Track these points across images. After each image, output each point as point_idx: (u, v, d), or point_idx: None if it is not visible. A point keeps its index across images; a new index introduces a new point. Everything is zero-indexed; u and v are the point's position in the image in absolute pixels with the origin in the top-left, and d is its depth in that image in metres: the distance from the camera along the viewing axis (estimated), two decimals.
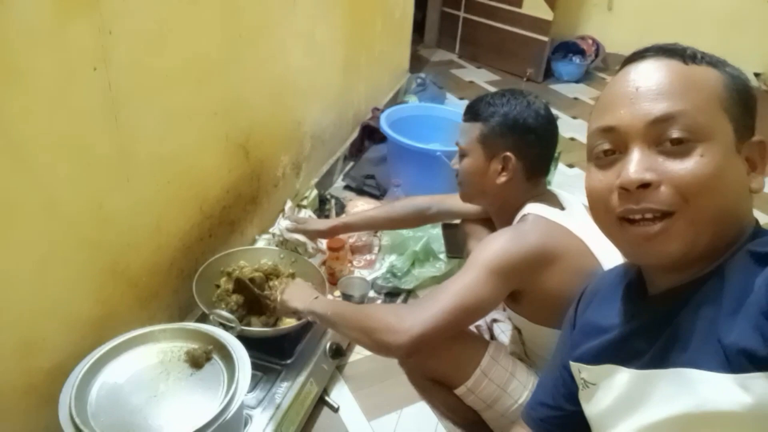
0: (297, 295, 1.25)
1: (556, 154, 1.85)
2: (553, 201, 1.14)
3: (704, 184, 0.60)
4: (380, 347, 1.04)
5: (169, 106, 1.23)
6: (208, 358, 1.12)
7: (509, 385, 1.10)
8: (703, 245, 0.62)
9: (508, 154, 1.13)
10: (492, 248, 1.02)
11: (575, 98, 3.62)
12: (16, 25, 0.83)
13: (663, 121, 0.61)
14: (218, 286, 1.44)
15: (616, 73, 0.70)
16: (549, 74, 3.92)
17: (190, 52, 1.26)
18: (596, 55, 3.95)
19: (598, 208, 0.68)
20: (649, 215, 0.62)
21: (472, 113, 1.20)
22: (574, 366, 0.80)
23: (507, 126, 1.13)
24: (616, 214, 0.65)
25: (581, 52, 3.91)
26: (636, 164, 0.62)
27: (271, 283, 1.38)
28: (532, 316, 1.10)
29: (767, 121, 0.69)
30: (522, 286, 1.05)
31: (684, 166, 0.60)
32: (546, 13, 3.64)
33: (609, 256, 1.00)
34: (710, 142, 0.60)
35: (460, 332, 1.17)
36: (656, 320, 0.67)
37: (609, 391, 0.72)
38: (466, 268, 1.03)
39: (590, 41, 3.97)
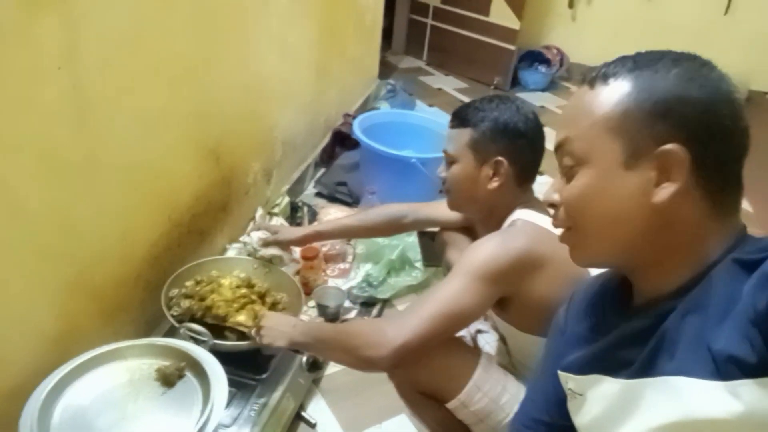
0: (276, 331, 1.17)
1: None
2: (542, 207, 1.13)
3: (578, 205, 0.67)
4: (364, 363, 1.01)
5: (139, 108, 1.17)
6: (181, 376, 1.06)
7: (501, 398, 1.08)
8: (610, 256, 0.69)
9: (500, 158, 1.12)
10: (480, 254, 1.01)
11: (541, 106, 3.67)
12: None
13: (558, 149, 0.70)
14: (188, 297, 1.36)
15: None
16: (516, 82, 3.97)
17: (161, 53, 1.21)
18: (561, 65, 4.03)
19: None
20: (559, 229, 0.72)
21: (460, 119, 1.18)
22: (562, 375, 0.79)
23: (498, 131, 1.12)
24: None
25: (547, 62, 3.98)
26: (550, 186, 0.72)
27: (235, 319, 1.29)
28: (519, 323, 1.08)
29: None
30: (509, 293, 1.03)
31: (568, 190, 0.68)
32: (513, 23, 3.69)
33: None
34: (588, 166, 0.66)
35: (452, 343, 1.14)
36: (642, 329, 0.66)
37: (597, 401, 0.71)
38: (452, 275, 1.01)
39: (555, 51, 4.05)
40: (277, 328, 1.16)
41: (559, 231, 0.93)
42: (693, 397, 0.57)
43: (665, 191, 0.61)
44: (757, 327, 0.51)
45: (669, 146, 0.60)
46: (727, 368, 0.54)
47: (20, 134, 0.88)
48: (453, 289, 0.99)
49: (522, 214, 1.09)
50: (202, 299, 1.33)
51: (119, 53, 1.07)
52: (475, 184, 1.15)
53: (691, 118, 0.60)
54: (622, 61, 0.65)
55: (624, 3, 3.90)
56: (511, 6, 3.66)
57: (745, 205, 2.55)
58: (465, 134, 1.15)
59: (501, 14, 3.72)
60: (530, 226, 1.06)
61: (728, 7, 3.67)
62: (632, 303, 0.72)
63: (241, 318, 1.28)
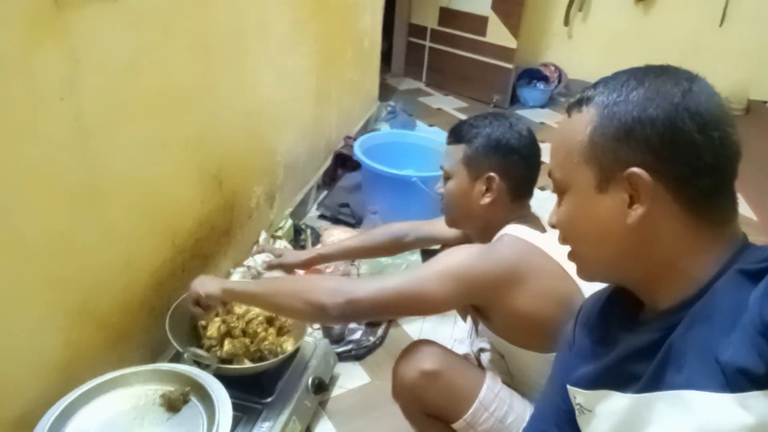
0: (205, 280, 1.22)
1: None
2: (536, 224, 1.13)
3: (566, 228, 0.71)
4: (314, 308, 1.03)
5: (140, 136, 1.19)
6: (186, 401, 1.06)
7: (508, 418, 1.07)
8: (606, 274, 0.72)
9: (492, 174, 1.13)
10: (457, 256, 1.03)
11: (541, 123, 3.69)
12: None
13: (550, 176, 0.73)
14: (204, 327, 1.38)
15: None
16: (515, 100, 4.00)
17: (161, 81, 1.23)
18: (559, 81, 4.07)
19: None
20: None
21: (455, 136, 1.19)
22: (571, 390, 0.79)
23: (490, 147, 1.13)
24: None
25: (545, 79, 4.02)
26: (552, 209, 0.75)
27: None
28: (508, 336, 1.08)
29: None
30: (485, 303, 1.04)
31: (558, 213, 0.72)
32: (510, 42, 3.73)
33: None
34: (569, 193, 0.69)
35: (457, 363, 1.14)
36: (649, 342, 0.66)
37: (606, 417, 0.70)
38: (427, 263, 1.04)
39: (553, 68, 4.09)
40: (207, 279, 1.21)
41: (552, 247, 0.96)
42: (703, 410, 0.56)
43: (635, 213, 0.62)
44: (764, 337, 0.51)
45: (632, 170, 0.61)
46: (736, 380, 0.54)
47: (23, 163, 0.90)
48: (422, 274, 1.03)
49: (511, 230, 1.08)
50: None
51: (119, 82, 1.09)
52: (468, 200, 1.16)
53: (652, 138, 0.61)
54: (597, 84, 0.67)
55: (619, 18, 3.95)
56: (507, 26, 3.71)
57: (748, 212, 2.54)
58: (459, 150, 1.17)
59: (498, 34, 3.77)
60: (517, 242, 1.05)
61: (723, 18, 3.70)
62: (639, 316, 0.72)
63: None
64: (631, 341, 0.70)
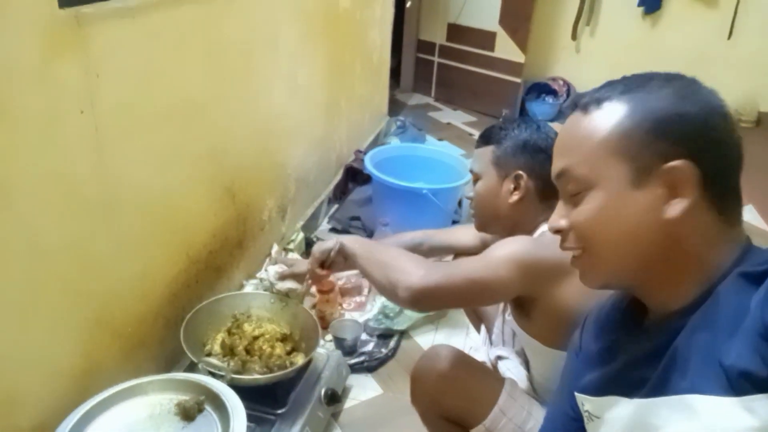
0: (323, 242, 1.26)
1: None
2: None
3: (592, 228, 0.67)
4: (390, 285, 1.05)
5: (156, 148, 1.21)
6: (200, 410, 1.06)
7: (527, 424, 1.07)
8: (635, 275, 0.67)
9: (520, 172, 1.16)
10: (514, 243, 1.04)
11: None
12: (3, 65, 0.81)
13: (559, 177, 0.70)
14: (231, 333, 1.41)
15: None
16: (523, 114, 4.01)
17: (175, 95, 1.26)
18: (567, 95, 4.07)
19: None
20: (569, 254, 0.72)
21: (484, 138, 1.24)
22: (579, 397, 0.79)
23: (518, 146, 1.17)
24: None
25: (553, 93, 4.03)
26: (555, 213, 0.72)
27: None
28: (542, 336, 1.08)
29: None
30: (534, 292, 1.04)
31: (577, 214, 0.68)
32: (518, 56, 3.76)
33: None
34: (596, 189, 0.66)
35: (476, 368, 1.14)
36: (654, 348, 0.66)
37: (614, 423, 0.70)
38: (488, 252, 1.04)
39: (561, 82, 4.10)
40: (325, 240, 1.24)
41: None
42: (708, 414, 0.56)
43: (677, 207, 0.62)
44: (766, 340, 0.51)
45: (676, 163, 0.61)
46: (739, 384, 0.54)
47: (41, 174, 0.92)
48: (489, 260, 1.02)
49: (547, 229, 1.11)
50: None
51: (136, 96, 1.12)
52: (497, 199, 1.19)
53: (690, 134, 0.62)
54: (611, 85, 0.67)
55: (627, 32, 3.96)
56: (515, 41, 3.74)
57: (761, 224, 2.52)
58: (488, 151, 1.21)
59: (506, 49, 3.79)
60: (557, 239, 1.07)
61: (731, 31, 3.70)
62: (643, 322, 0.72)
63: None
64: (637, 347, 0.70)
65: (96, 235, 1.07)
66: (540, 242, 1.07)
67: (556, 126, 0.74)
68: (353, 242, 1.20)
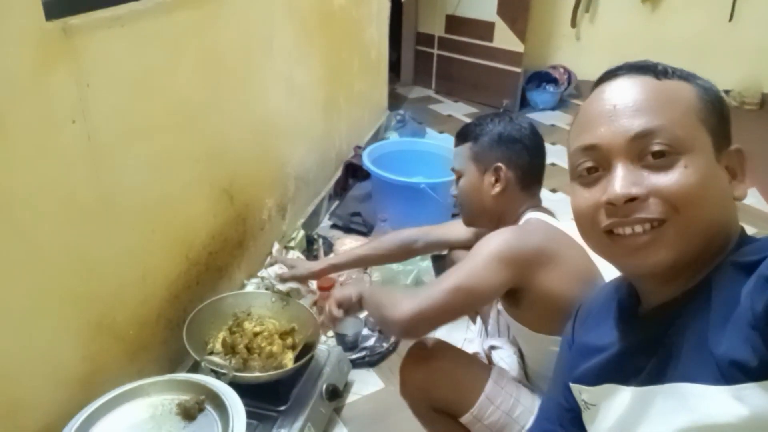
0: (345, 289, 1.26)
1: None
2: (551, 213, 1.19)
3: (692, 194, 0.61)
4: (384, 322, 1.08)
5: (152, 153, 1.23)
6: (201, 409, 1.08)
7: (515, 411, 1.09)
8: (692, 254, 0.62)
9: (499, 164, 1.19)
10: (495, 239, 1.05)
11: (552, 125, 3.69)
12: None
13: (643, 137, 0.63)
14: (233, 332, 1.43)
15: (591, 92, 0.71)
16: (525, 104, 4.00)
17: (170, 99, 1.27)
18: (568, 83, 4.05)
19: (586, 225, 0.69)
20: (638, 228, 0.63)
21: (461, 136, 1.28)
22: (575, 387, 0.80)
23: (494, 140, 1.21)
24: (602, 229, 0.66)
25: (554, 81, 4.01)
26: (621, 179, 0.63)
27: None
28: (533, 322, 1.09)
29: (740, 135, 0.69)
30: (521, 282, 1.05)
31: (670, 178, 0.61)
32: (517, 46, 3.74)
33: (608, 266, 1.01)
34: (692, 154, 0.62)
35: (462, 357, 1.16)
36: (650, 336, 0.67)
37: (610, 410, 0.71)
38: (469, 257, 1.05)
39: (562, 70, 4.08)
40: (346, 288, 1.26)
41: (572, 232, 0.94)
42: (700, 403, 0.57)
43: (743, 188, 0.65)
44: (757, 330, 0.52)
45: (740, 147, 0.66)
46: (730, 372, 0.54)
47: (37, 183, 0.94)
48: (469, 267, 1.03)
49: (533, 215, 1.15)
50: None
51: (130, 102, 1.13)
52: (480, 193, 1.22)
53: (730, 124, 0.67)
54: (662, 64, 0.68)
55: (626, 18, 3.93)
56: (514, 30, 3.72)
57: (764, 205, 2.50)
58: (467, 149, 1.25)
59: (505, 39, 3.78)
60: (543, 224, 1.11)
61: (732, 14, 3.66)
62: (639, 311, 0.73)
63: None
64: (633, 335, 0.71)
65: (95, 241, 1.09)
66: (523, 230, 1.10)
67: (612, 87, 0.66)
68: (365, 290, 1.21)
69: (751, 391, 0.53)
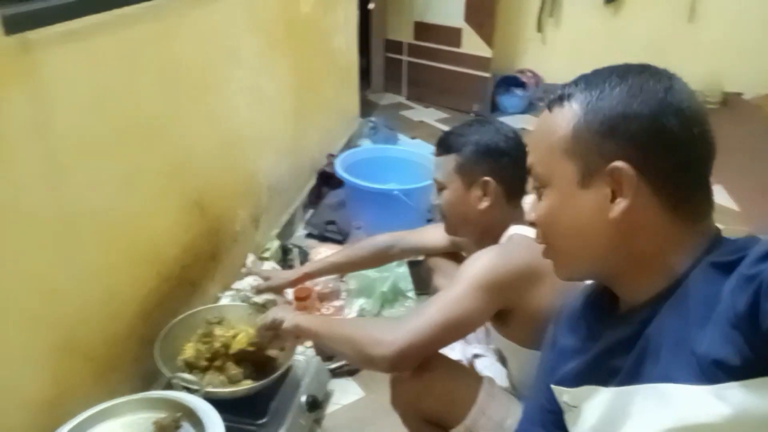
0: (278, 311, 1.24)
1: None
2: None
3: (547, 224, 0.71)
4: (365, 360, 1.03)
5: (115, 169, 1.20)
6: (177, 427, 1.06)
7: (506, 421, 1.07)
8: (585, 270, 0.72)
9: (487, 178, 1.15)
10: (480, 264, 1.03)
11: (522, 128, 3.73)
12: None
13: (529, 172, 0.73)
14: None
15: None
16: (495, 108, 4.04)
17: (132, 113, 1.25)
18: (537, 86, 4.12)
19: None
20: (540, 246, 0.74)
21: (444, 147, 1.22)
22: (556, 389, 0.80)
23: (480, 152, 1.16)
24: None
25: (522, 85, 4.07)
26: (529, 206, 0.78)
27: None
28: (520, 338, 1.09)
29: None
30: (510, 305, 1.04)
31: (538, 209, 0.72)
32: (485, 51, 3.78)
33: None
34: (549, 187, 0.69)
35: (454, 368, 1.14)
36: (627, 336, 0.67)
37: (591, 412, 0.71)
38: (453, 283, 1.02)
39: (529, 74, 4.14)
40: (280, 310, 1.22)
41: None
42: (681, 403, 0.57)
43: (618, 207, 0.63)
44: (738, 329, 0.52)
45: (616, 163, 0.62)
46: (712, 372, 0.54)
47: None
48: (455, 296, 1.01)
49: (517, 230, 1.11)
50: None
51: (90, 118, 1.11)
52: (466, 207, 1.18)
53: (636, 134, 0.62)
54: (577, 81, 0.68)
55: (590, 21, 4.01)
56: (481, 35, 3.76)
57: (730, 203, 2.58)
58: (450, 160, 1.19)
59: (472, 44, 3.82)
60: (527, 240, 1.07)
61: (692, 13, 3.77)
62: (616, 311, 0.73)
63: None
64: (611, 336, 0.71)
65: (56, 262, 1.06)
66: (507, 249, 1.07)
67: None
68: (310, 322, 1.17)
69: (733, 390, 0.53)
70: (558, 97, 0.68)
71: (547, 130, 0.68)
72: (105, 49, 1.13)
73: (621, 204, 0.63)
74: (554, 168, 0.67)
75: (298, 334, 1.18)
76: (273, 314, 1.22)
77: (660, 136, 0.62)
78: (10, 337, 0.98)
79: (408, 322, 1.01)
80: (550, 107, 0.69)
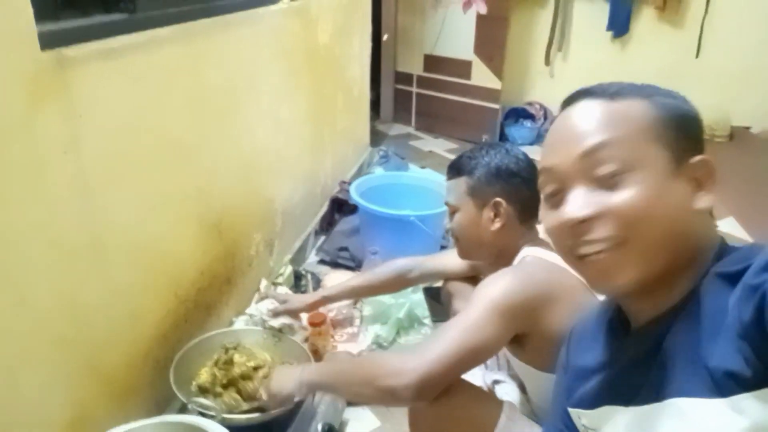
0: (282, 379, 1.18)
1: None
2: (547, 245, 1.15)
3: (641, 213, 0.62)
4: (386, 394, 0.99)
5: (141, 191, 1.20)
6: None
7: None
8: (658, 269, 0.64)
9: (498, 199, 1.16)
10: (496, 288, 1.01)
11: (531, 157, 3.75)
12: None
13: (592, 154, 0.64)
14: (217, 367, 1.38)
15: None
16: (504, 139, 4.08)
17: (160, 137, 1.26)
18: (545, 119, 4.16)
19: (559, 247, 0.70)
20: (598, 247, 0.63)
21: (455, 170, 1.23)
22: (573, 412, 0.79)
23: (492, 174, 1.17)
24: (571, 252, 0.67)
25: (531, 117, 4.11)
26: (573, 201, 0.65)
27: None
28: (537, 362, 1.07)
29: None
30: (526, 328, 1.03)
31: (620, 197, 0.62)
32: (494, 83, 3.84)
33: None
34: (641, 171, 0.63)
35: (474, 392, 1.12)
36: (642, 353, 0.66)
37: None
38: (470, 307, 1.01)
39: (538, 106, 4.19)
40: (283, 376, 1.16)
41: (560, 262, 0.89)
42: (699, 417, 0.57)
43: (706, 199, 0.64)
44: (745, 340, 0.52)
45: (702, 157, 0.65)
46: (725, 384, 0.54)
47: (26, 223, 0.90)
48: (472, 321, 0.99)
49: (530, 251, 1.11)
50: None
51: (120, 139, 1.12)
52: (479, 228, 1.19)
53: (700, 133, 0.67)
54: (617, 84, 0.69)
55: (597, 55, 4.07)
56: (490, 68, 3.82)
57: (743, 234, 2.56)
58: (462, 183, 1.21)
59: (482, 76, 3.87)
60: (542, 262, 1.07)
61: (699, 49, 3.83)
62: (629, 330, 0.72)
63: (251, 386, 1.28)
64: (626, 355, 0.70)
65: (84, 283, 1.05)
66: (521, 274, 1.06)
67: (569, 112, 0.69)
68: (320, 374, 1.14)
69: (748, 401, 0.53)
70: (615, 90, 0.68)
71: (624, 115, 0.65)
72: (137, 70, 1.14)
73: (707, 197, 0.64)
74: (644, 151, 0.63)
75: (312, 390, 1.15)
76: (277, 387, 1.17)
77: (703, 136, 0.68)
78: (39, 359, 0.97)
79: (427, 350, 0.99)
80: (613, 97, 0.67)
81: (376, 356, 1.09)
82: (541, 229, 1.22)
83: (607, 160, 0.63)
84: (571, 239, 0.66)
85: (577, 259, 0.67)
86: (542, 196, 0.72)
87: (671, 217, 0.62)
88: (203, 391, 1.34)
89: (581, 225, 0.64)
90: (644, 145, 0.64)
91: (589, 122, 0.66)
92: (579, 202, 0.64)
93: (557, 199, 0.68)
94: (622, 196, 0.62)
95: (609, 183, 0.63)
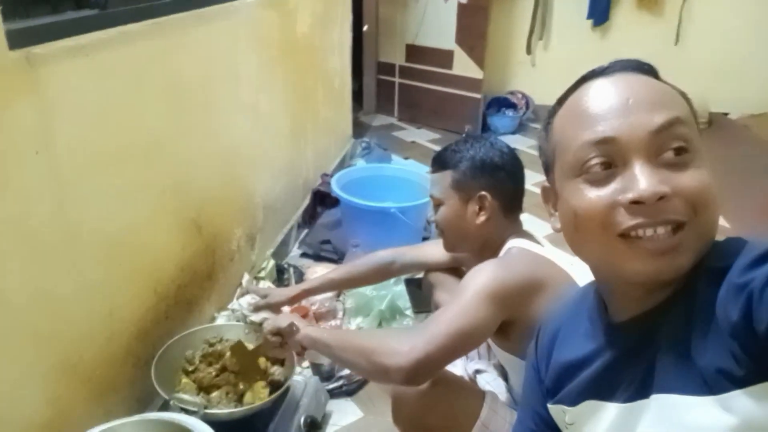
0: (290, 317, 1.22)
1: None
2: (532, 238, 1.18)
3: (709, 195, 0.59)
4: (379, 370, 1.00)
5: (117, 184, 1.19)
6: None
7: None
8: (705, 250, 0.60)
9: (483, 193, 1.16)
10: (485, 275, 1.03)
11: (514, 148, 3.76)
12: None
13: (664, 131, 0.60)
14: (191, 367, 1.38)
15: (576, 87, 0.69)
16: (486, 129, 4.08)
17: (135, 130, 1.24)
18: (527, 108, 4.17)
19: (594, 227, 0.62)
20: (661, 230, 0.58)
21: (440, 163, 1.23)
22: (556, 408, 0.77)
23: (476, 167, 1.18)
24: (617, 231, 0.60)
25: (513, 106, 4.12)
26: (648, 177, 0.58)
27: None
28: (521, 351, 1.08)
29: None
30: (513, 316, 1.04)
31: (690, 178, 0.59)
32: (476, 73, 3.84)
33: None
34: (700, 153, 0.61)
35: (456, 384, 1.14)
36: (631, 349, 0.65)
37: (595, 428, 0.69)
38: (460, 295, 1.02)
39: (519, 95, 4.20)
40: (297, 320, 1.20)
41: (554, 256, 0.89)
42: (688, 414, 0.56)
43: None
44: (735, 339, 0.52)
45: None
46: (715, 382, 0.54)
47: (2, 219, 0.89)
48: (464, 307, 1.00)
49: (515, 243, 1.13)
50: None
51: (94, 133, 1.10)
52: (464, 221, 1.20)
53: None
54: (650, 64, 0.68)
55: (578, 44, 4.09)
56: (472, 58, 3.82)
57: (721, 221, 2.60)
58: (446, 176, 1.21)
59: (464, 66, 3.87)
60: (526, 253, 1.09)
61: (677, 37, 3.86)
62: (612, 322, 0.70)
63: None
64: (611, 348, 0.68)
65: (59, 279, 1.04)
66: (507, 263, 1.08)
67: (619, 81, 0.63)
68: (320, 332, 1.16)
69: (737, 399, 0.52)
70: (656, 72, 0.67)
71: (675, 96, 0.64)
72: (109, 66, 1.13)
73: None
74: (698, 136, 0.62)
75: (308, 345, 1.16)
76: (287, 320, 1.21)
77: None
78: (14, 356, 0.95)
79: (422, 334, 0.99)
80: (652, 74, 0.66)
81: (378, 331, 1.11)
82: (524, 219, 1.24)
83: (680, 137, 0.59)
84: (633, 217, 0.59)
85: (623, 241, 0.60)
86: (581, 169, 0.63)
87: (718, 206, 0.60)
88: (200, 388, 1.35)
89: (656, 203, 0.58)
90: (696, 130, 0.62)
91: (656, 96, 0.62)
92: (654, 179, 0.58)
93: (607, 173, 0.61)
94: (694, 177, 0.59)
95: (677, 162, 0.59)
